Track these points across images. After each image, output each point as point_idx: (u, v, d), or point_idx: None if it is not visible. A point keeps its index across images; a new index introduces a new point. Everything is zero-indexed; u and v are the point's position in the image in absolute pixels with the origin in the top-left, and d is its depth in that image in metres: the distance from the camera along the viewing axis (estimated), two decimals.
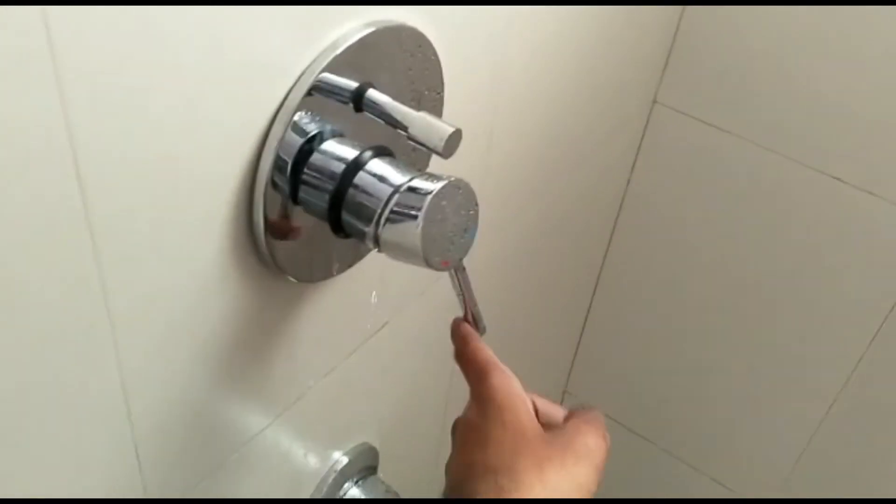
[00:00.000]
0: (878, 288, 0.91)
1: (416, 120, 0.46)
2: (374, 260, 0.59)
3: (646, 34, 0.85)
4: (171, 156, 0.40)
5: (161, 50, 0.36)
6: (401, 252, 0.49)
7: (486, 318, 0.86)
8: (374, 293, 0.61)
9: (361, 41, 0.46)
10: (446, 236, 0.48)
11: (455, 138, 0.46)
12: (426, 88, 0.53)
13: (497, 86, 0.63)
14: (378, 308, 0.64)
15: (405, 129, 0.46)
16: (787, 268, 0.97)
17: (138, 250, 0.41)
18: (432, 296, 0.70)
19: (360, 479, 0.72)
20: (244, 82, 0.41)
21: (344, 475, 0.70)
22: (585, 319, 1.17)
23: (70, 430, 0.42)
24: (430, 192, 0.46)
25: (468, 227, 0.50)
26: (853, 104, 0.84)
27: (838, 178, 0.88)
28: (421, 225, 0.46)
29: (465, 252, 0.50)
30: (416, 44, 0.51)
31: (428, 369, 0.78)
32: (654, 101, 0.95)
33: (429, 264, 0.48)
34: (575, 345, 1.20)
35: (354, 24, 0.46)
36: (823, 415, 1.02)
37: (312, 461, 0.67)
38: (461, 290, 0.52)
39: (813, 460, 1.06)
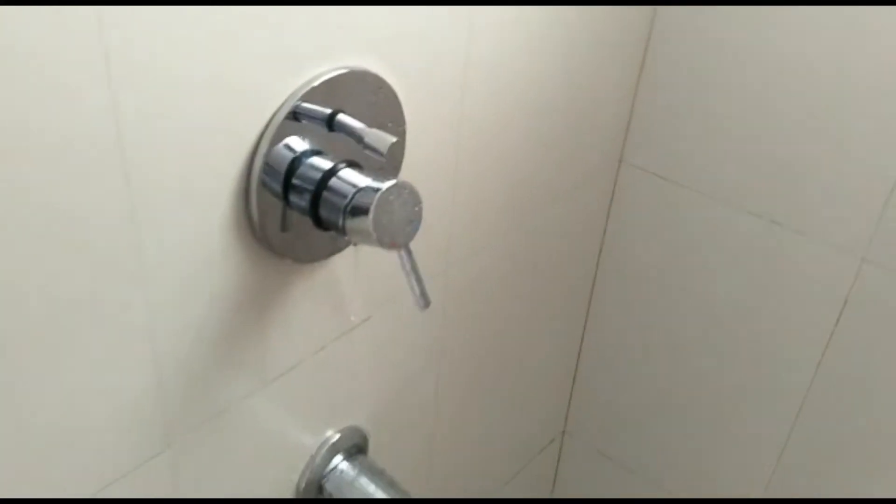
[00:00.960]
0: (817, 322, 1.04)
1: (369, 132, 0.63)
2: (356, 259, 0.76)
3: (606, 94, 1.02)
4: (188, 151, 0.57)
5: (177, 72, 0.54)
6: (360, 236, 0.65)
7: (478, 358, 1.02)
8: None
9: (332, 79, 0.64)
10: (395, 224, 0.65)
11: (397, 146, 0.63)
12: (388, 121, 0.71)
13: (458, 129, 0.81)
14: (363, 302, 0.80)
15: (361, 139, 0.63)
16: (748, 305, 1.10)
17: (164, 216, 0.58)
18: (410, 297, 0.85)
19: (350, 456, 0.87)
20: (239, 102, 0.59)
21: (335, 448, 0.85)
22: (577, 360, 1.30)
23: (103, 344, 0.59)
24: (379, 189, 0.63)
25: (413, 220, 0.66)
26: (804, 157, 0.98)
27: (794, 229, 1.02)
28: (372, 214, 0.63)
29: (411, 238, 0.66)
30: (378, 85, 0.68)
31: (413, 366, 0.92)
32: (621, 161, 1.11)
33: (381, 244, 0.65)
34: (570, 385, 1.33)
35: (327, 67, 0.64)
36: (785, 438, 1.12)
37: (306, 431, 0.81)
38: (409, 269, 0.68)
39: (781, 484, 1.16)
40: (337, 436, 0.85)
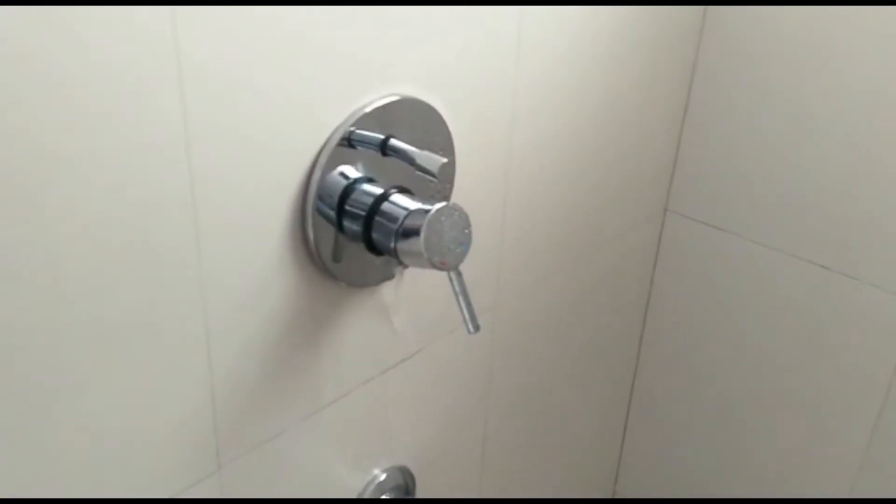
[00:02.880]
0: (875, 368, 1.01)
1: (421, 154, 0.64)
2: (406, 289, 0.77)
3: (651, 140, 1.03)
4: (249, 169, 0.59)
5: (243, 88, 0.57)
6: (412, 258, 0.66)
7: (525, 402, 1.01)
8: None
9: (384, 106, 0.66)
10: (445, 245, 0.65)
11: (448, 166, 0.64)
12: (438, 148, 0.72)
13: (506, 161, 0.82)
14: (412, 334, 0.80)
15: (413, 161, 0.65)
16: (800, 352, 1.08)
17: (224, 235, 0.60)
18: (461, 335, 0.85)
19: (397, 497, 0.86)
20: (296, 124, 0.61)
21: (381, 488, 0.84)
22: (628, 410, 1.28)
23: (160, 362, 0.60)
24: (430, 210, 0.64)
25: (463, 242, 0.67)
26: (851, 200, 0.98)
27: (843, 273, 1.01)
28: (423, 235, 0.64)
29: (461, 260, 0.67)
30: (428, 112, 0.70)
31: (461, 406, 0.92)
32: (666, 209, 1.12)
33: (432, 265, 0.65)
34: (621, 436, 1.30)
35: (378, 94, 0.66)
36: (847, 492, 1.08)
37: (354, 466, 0.81)
38: (459, 290, 0.68)
39: None
40: (383, 475, 0.84)
